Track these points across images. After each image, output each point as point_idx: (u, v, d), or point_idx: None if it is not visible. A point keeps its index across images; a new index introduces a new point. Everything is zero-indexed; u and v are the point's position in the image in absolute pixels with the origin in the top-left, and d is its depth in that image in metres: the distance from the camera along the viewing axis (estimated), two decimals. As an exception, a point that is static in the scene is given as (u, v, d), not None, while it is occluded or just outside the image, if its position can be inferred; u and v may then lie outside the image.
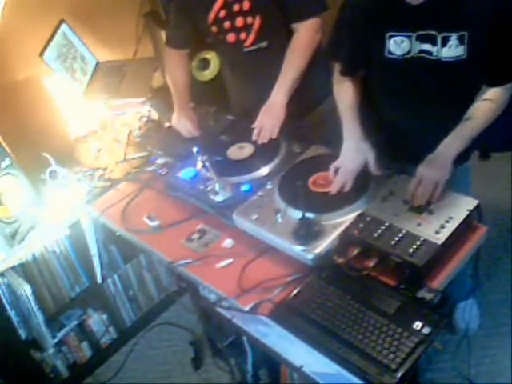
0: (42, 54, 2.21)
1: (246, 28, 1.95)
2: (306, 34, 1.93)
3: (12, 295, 2.12)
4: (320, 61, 1.97)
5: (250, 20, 1.93)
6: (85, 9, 2.51)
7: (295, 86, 1.95)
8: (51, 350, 2.33)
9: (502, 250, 2.54)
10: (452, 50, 1.53)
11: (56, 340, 2.31)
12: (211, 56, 2.60)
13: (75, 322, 2.38)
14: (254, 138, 1.94)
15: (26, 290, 2.08)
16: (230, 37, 1.99)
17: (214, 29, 2.00)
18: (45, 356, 2.34)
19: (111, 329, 2.54)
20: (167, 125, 2.23)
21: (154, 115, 2.36)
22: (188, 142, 2.04)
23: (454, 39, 1.51)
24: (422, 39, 1.55)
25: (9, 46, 2.33)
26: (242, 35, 1.97)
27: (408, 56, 1.59)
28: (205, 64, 2.61)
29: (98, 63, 2.58)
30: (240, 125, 2.10)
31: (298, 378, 1.82)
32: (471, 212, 1.53)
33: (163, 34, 2.54)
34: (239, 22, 1.94)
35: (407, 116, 1.73)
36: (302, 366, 1.37)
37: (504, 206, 2.63)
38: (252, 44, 1.98)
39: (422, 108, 1.69)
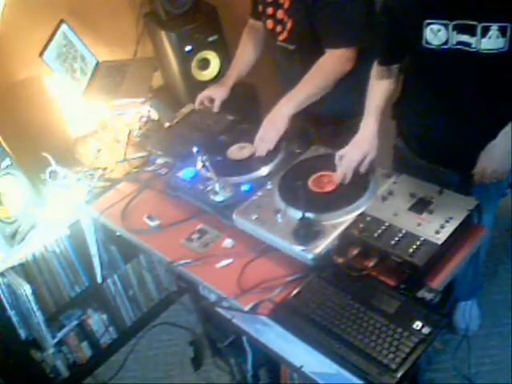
0: (41, 54, 2.21)
1: (283, 23, 1.96)
2: (332, 61, 1.89)
3: (12, 295, 2.12)
4: (342, 86, 1.92)
5: (286, 18, 1.94)
6: (85, 9, 2.51)
7: (306, 103, 1.91)
8: (51, 350, 2.33)
9: (502, 250, 2.54)
10: (492, 41, 1.47)
11: (56, 340, 2.31)
12: (211, 56, 2.60)
13: (75, 322, 2.38)
14: (254, 148, 1.92)
15: (26, 289, 2.08)
16: (269, 23, 2.02)
17: (261, 8, 2.04)
18: (45, 356, 2.34)
19: (111, 329, 2.54)
20: (167, 125, 2.23)
21: (154, 115, 2.35)
22: (188, 142, 2.04)
23: (494, 29, 1.45)
24: (460, 29, 1.50)
25: (9, 46, 2.33)
26: (279, 28, 1.99)
27: (445, 47, 1.55)
28: (205, 64, 2.61)
29: (98, 63, 2.58)
30: (240, 125, 2.10)
31: (298, 378, 1.82)
32: (471, 212, 1.53)
33: (163, 34, 2.55)
34: (280, 14, 1.96)
35: (445, 111, 1.70)
36: (301, 366, 1.37)
37: (504, 206, 2.62)
38: (283, 41, 1.99)
39: (461, 103, 1.65)
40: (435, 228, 1.49)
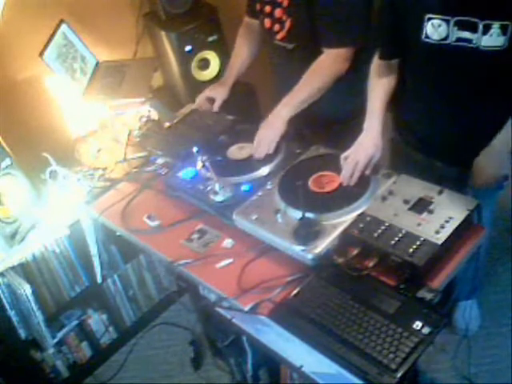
0: (41, 53, 2.21)
1: (281, 22, 1.95)
2: (329, 61, 1.89)
3: (12, 295, 2.12)
4: (338, 87, 1.92)
5: (284, 17, 1.93)
6: (85, 9, 2.51)
7: (304, 105, 1.91)
8: (51, 350, 2.33)
9: (502, 250, 2.54)
10: (493, 38, 1.47)
11: (56, 340, 2.31)
12: (211, 56, 2.60)
13: (75, 322, 2.38)
14: (253, 151, 1.91)
15: (25, 289, 2.08)
16: (267, 22, 2.00)
17: (258, 6, 2.04)
18: (45, 356, 2.34)
19: (111, 329, 2.54)
20: (167, 125, 2.23)
21: (154, 115, 2.35)
22: (188, 142, 2.04)
23: (496, 28, 1.46)
24: (461, 26, 1.50)
25: (9, 45, 2.33)
26: (276, 26, 1.97)
27: (445, 42, 1.54)
28: (205, 64, 2.61)
29: (97, 63, 2.58)
30: (240, 125, 2.10)
31: (298, 378, 1.82)
32: (471, 212, 1.53)
33: (163, 34, 2.55)
34: (278, 13, 1.94)
35: (443, 106, 1.69)
36: (301, 366, 1.37)
37: (504, 206, 2.63)
38: (281, 40, 1.98)
39: (459, 100, 1.64)
40: (435, 228, 1.49)
